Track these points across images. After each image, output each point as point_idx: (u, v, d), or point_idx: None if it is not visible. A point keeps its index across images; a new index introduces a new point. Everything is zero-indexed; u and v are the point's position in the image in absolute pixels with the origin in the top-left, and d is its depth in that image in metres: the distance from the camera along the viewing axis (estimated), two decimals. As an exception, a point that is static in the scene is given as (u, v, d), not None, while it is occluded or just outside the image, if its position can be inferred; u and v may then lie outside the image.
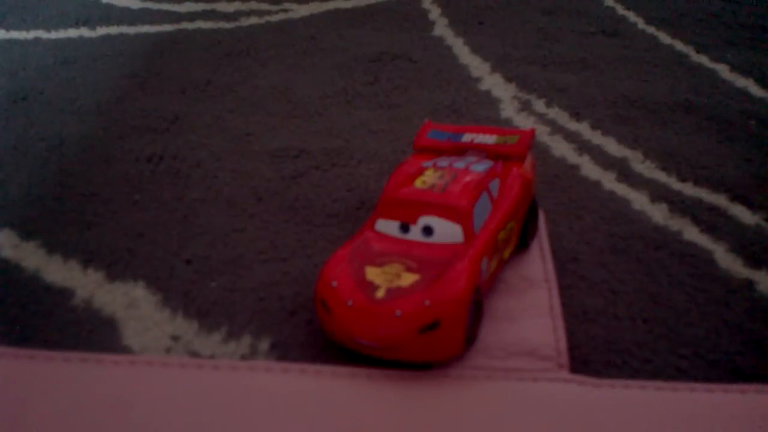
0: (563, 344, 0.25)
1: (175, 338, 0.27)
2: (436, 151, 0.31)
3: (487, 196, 0.27)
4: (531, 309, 0.27)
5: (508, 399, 0.23)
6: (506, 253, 0.28)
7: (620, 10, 0.61)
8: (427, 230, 0.26)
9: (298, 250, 0.31)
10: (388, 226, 0.27)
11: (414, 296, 0.24)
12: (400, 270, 0.25)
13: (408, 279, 0.24)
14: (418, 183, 0.27)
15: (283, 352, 0.26)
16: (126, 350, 0.26)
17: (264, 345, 0.26)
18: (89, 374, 0.24)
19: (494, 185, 0.28)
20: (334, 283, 0.25)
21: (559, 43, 0.54)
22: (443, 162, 0.29)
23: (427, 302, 0.23)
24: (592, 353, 0.26)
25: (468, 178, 0.27)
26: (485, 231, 0.26)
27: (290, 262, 0.30)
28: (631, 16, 0.60)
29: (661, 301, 0.28)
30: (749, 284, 0.29)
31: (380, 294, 0.24)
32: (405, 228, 0.26)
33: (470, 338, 0.25)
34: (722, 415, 0.23)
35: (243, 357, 0.26)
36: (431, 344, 0.23)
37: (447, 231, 0.26)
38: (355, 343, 0.24)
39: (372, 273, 0.25)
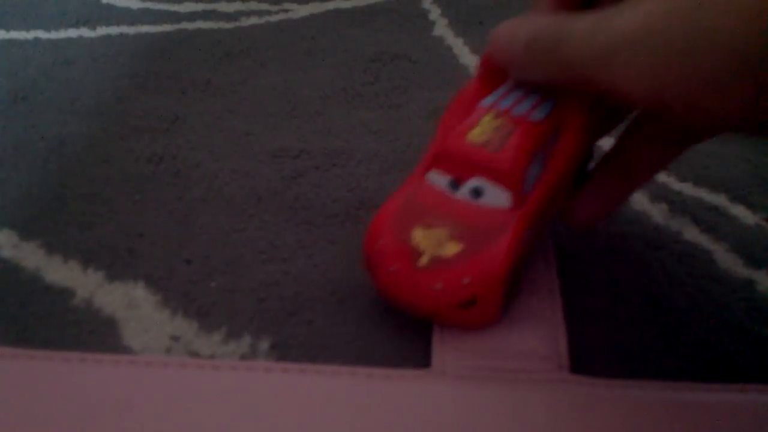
0: (563, 344, 0.26)
1: (175, 338, 0.27)
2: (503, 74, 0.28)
3: (541, 154, 0.26)
4: (531, 309, 0.27)
5: (508, 399, 0.23)
6: (559, 204, 0.28)
7: (620, 10, 0.61)
8: (476, 192, 0.26)
9: (298, 250, 0.31)
10: (438, 180, 0.26)
11: (455, 270, 0.24)
12: (445, 237, 0.25)
13: (451, 249, 0.24)
14: (474, 135, 0.26)
15: (283, 352, 0.26)
16: (126, 350, 0.26)
17: (264, 345, 0.26)
18: (89, 374, 0.24)
19: (551, 140, 0.27)
20: (381, 243, 0.25)
21: (559, 43, 0.54)
22: (506, 102, 0.27)
23: (466, 280, 0.24)
24: (592, 353, 0.26)
25: (525, 136, 0.26)
26: (535, 193, 0.26)
27: (290, 262, 0.30)
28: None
29: (661, 301, 0.28)
30: (749, 284, 0.29)
31: (423, 262, 0.24)
32: (455, 185, 0.26)
33: (506, 305, 0.26)
34: (722, 415, 0.23)
35: (243, 357, 0.26)
36: (468, 316, 0.25)
37: (496, 195, 0.25)
38: (395, 304, 0.26)
39: (418, 236, 0.25)
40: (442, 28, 0.56)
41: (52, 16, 0.57)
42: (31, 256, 0.31)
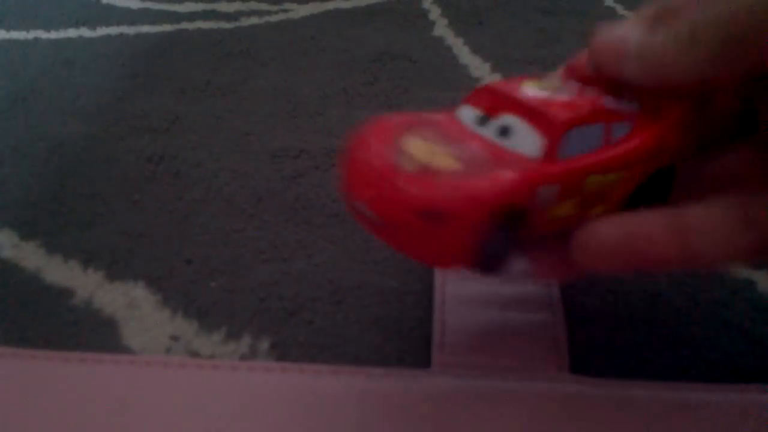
0: (563, 344, 0.26)
1: (175, 338, 0.27)
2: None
3: (601, 132, 0.22)
4: (531, 309, 0.27)
5: (508, 399, 0.23)
6: (599, 209, 0.23)
7: (620, 10, 0.61)
8: (504, 131, 0.22)
9: (298, 250, 0.31)
10: (467, 115, 0.23)
11: (438, 181, 0.20)
12: (445, 152, 0.21)
13: (446, 163, 0.20)
14: (529, 85, 0.23)
15: (283, 352, 0.26)
16: (126, 350, 0.26)
17: (264, 345, 0.26)
18: (89, 374, 0.24)
19: (620, 128, 0.23)
20: (368, 138, 0.22)
21: (559, 43, 0.54)
22: (572, 84, 0.24)
23: (440, 189, 0.19)
24: (592, 353, 0.26)
25: (584, 103, 0.22)
26: (571, 163, 0.21)
27: (290, 262, 0.30)
28: (631, 17, 0.60)
29: (661, 301, 0.28)
30: (749, 284, 0.29)
31: (408, 165, 0.20)
32: (483, 120, 0.22)
33: (492, 260, 0.21)
34: (722, 415, 0.23)
35: (243, 357, 0.26)
36: (432, 239, 0.20)
37: (526, 138, 0.21)
38: (356, 211, 0.21)
39: (414, 144, 0.21)
40: (442, 28, 0.56)
41: (52, 16, 0.57)
42: (31, 256, 0.31)
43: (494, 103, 0.22)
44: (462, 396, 0.23)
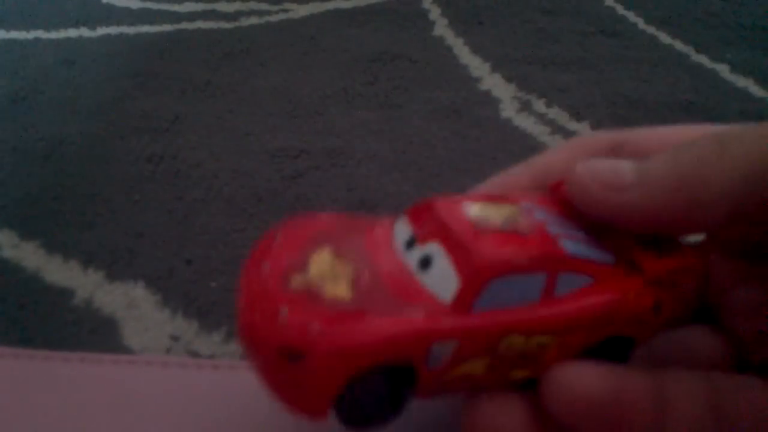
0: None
1: (175, 338, 0.27)
2: None
3: (541, 284, 0.18)
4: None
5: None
6: (521, 372, 0.19)
7: (620, 10, 0.61)
8: (425, 263, 0.18)
9: (298, 250, 0.31)
10: (401, 232, 0.19)
11: (316, 311, 0.16)
12: (346, 277, 0.17)
13: (338, 290, 0.17)
14: (479, 207, 0.19)
15: (283, 352, 0.26)
16: (126, 350, 0.26)
17: (264, 345, 0.26)
18: (89, 374, 0.24)
19: (571, 281, 0.19)
20: (273, 249, 0.19)
21: (559, 43, 0.54)
22: (539, 214, 0.19)
23: (313, 325, 0.16)
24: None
25: (543, 243, 0.18)
26: (484, 318, 0.17)
27: (290, 262, 0.30)
28: (631, 16, 0.60)
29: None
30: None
31: (295, 284, 0.17)
32: (410, 244, 0.19)
33: (357, 416, 0.17)
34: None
35: (243, 357, 0.26)
36: (292, 382, 0.17)
37: (443, 277, 0.18)
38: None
39: (320, 257, 0.18)
40: (442, 28, 0.56)
41: (52, 16, 0.57)
42: (31, 256, 0.31)
43: (426, 225, 0.19)
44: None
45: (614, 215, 0.19)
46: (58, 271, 0.30)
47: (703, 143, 0.18)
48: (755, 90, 0.47)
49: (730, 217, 0.18)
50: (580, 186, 0.19)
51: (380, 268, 0.18)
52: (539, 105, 0.44)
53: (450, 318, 0.17)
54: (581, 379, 0.18)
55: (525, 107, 0.44)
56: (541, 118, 0.43)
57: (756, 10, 0.61)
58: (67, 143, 0.40)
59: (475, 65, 0.50)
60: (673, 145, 0.19)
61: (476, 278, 0.17)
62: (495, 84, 0.47)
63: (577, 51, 0.52)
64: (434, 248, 0.18)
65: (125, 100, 0.44)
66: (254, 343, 0.17)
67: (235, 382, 0.24)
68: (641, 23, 0.58)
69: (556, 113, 0.43)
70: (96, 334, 0.27)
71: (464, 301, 0.17)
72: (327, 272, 0.17)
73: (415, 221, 0.19)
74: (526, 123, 0.42)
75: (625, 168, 0.19)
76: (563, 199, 0.20)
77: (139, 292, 0.29)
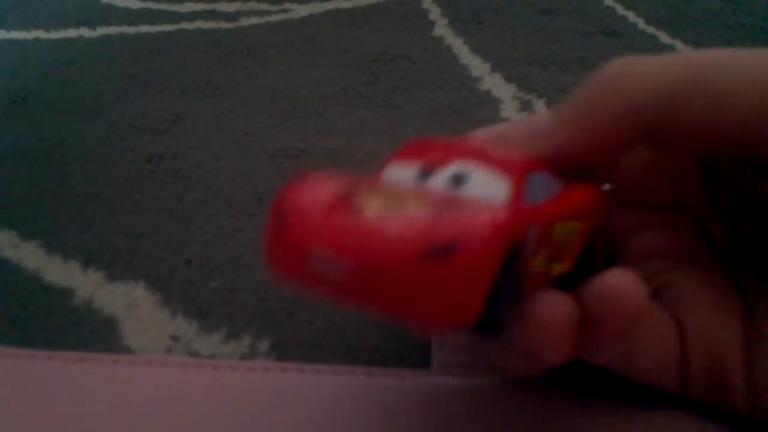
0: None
1: (175, 338, 0.27)
2: None
3: (549, 180, 0.20)
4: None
5: (508, 398, 0.23)
6: (556, 267, 0.19)
7: (620, 10, 0.61)
8: (458, 179, 0.18)
9: (298, 250, 0.31)
10: (399, 173, 0.19)
11: (420, 218, 0.15)
12: (406, 196, 0.17)
13: (416, 206, 0.16)
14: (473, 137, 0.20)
15: (282, 352, 0.26)
16: (126, 350, 0.26)
17: (264, 345, 0.26)
18: (89, 374, 0.24)
19: (556, 181, 0.20)
20: (304, 196, 0.17)
21: (559, 43, 0.54)
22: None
23: (442, 220, 0.15)
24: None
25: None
26: (538, 207, 0.18)
27: (290, 262, 0.30)
28: (631, 16, 0.60)
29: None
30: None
31: (370, 212, 0.16)
32: (426, 174, 0.18)
33: (498, 313, 0.16)
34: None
35: (243, 357, 0.26)
36: (433, 286, 0.15)
37: (486, 184, 0.18)
38: (309, 272, 0.16)
39: (365, 195, 0.17)
40: (442, 28, 0.56)
41: (52, 16, 0.57)
42: (31, 256, 0.31)
43: (439, 153, 0.19)
44: (462, 396, 0.23)
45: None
46: (58, 271, 0.30)
47: (606, 70, 0.20)
48: (755, 90, 0.47)
49: (639, 135, 0.19)
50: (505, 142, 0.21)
51: (425, 193, 0.17)
52: (539, 105, 0.44)
53: (523, 207, 0.17)
54: (636, 283, 0.18)
55: (525, 107, 0.44)
56: (541, 118, 0.43)
57: (756, 10, 0.61)
58: (68, 143, 0.40)
59: (475, 65, 0.50)
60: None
61: (520, 171, 0.18)
62: (495, 84, 0.47)
63: (577, 51, 0.52)
64: (461, 166, 0.18)
65: (125, 100, 0.44)
66: (377, 260, 0.15)
67: (235, 382, 0.24)
68: (641, 23, 0.58)
69: (556, 113, 0.43)
70: (96, 334, 0.27)
71: (518, 195, 0.18)
72: (391, 200, 0.16)
73: (420, 156, 0.19)
74: (526, 123, 0.42)
75: (541, 119, 0.21)
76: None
77: (139, 292, 0.29)
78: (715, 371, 0.21)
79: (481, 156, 0.18)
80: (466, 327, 0.16)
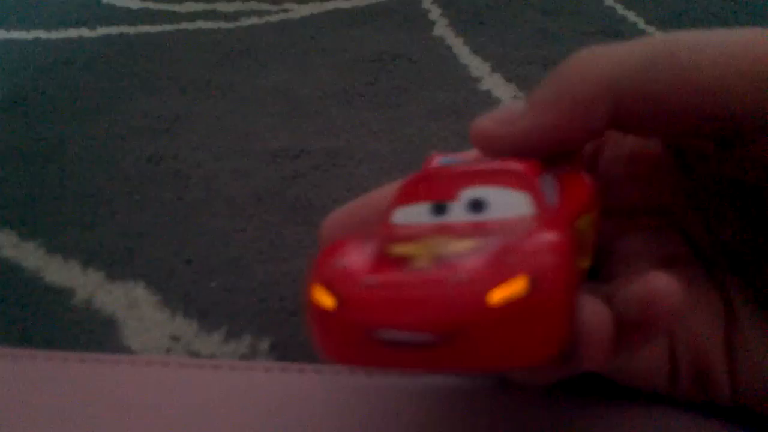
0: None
1: (175, 338, 0.27)
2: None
3: (552, 178, 0.19)
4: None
5: (508, 398, 0.23)
6: (583, 263, 0.18)
7: (620, 10, 0.61)
8: (477, 205, 0.17)
9: (298, 250, 0.31)
10: (411, 214, 0.18)
11: (481, 257, 0.14)
12: (445, 240, 0.16)
13: (462, 245, 0.15)
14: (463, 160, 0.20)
15: (283, 352, 0.26)
16: (126, 350, 0.26)
17: (264, 345, 0.26)
18: (89, 374, 0.24)
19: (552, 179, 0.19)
20: (343, 263, 0.16)
21: (559, 43, 0.54)
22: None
23: (502, 256, 0.14)
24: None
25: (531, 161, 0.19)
26: (562, 207, 0.18)
27: (290, 262, 0.30)
28: (631, 16, 0.60)
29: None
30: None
31: (422, 263, 0.15)
32: (440, 209, 0.18)
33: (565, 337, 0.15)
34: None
35: (243, 357, 0.26)
36: (524, 327, 0.14)
37: (508, 204, 0.17)
38: (379, 348, 0.15)
39: (403, 248, 0.16)
40: (442, 28, 0.56)
41: (52, 16, 0.57)
42: (31, 256, 0.31)
43: (442, 186, 0.18)
44: (462, 396, 0.24)
45: (514, 147, 0.20)
46: (58, 271, 0.30)
47: (574, 56, 0.21)
48: (755, 90, 0.47)
49: (607, 114, 0.19)
50: (480, 130, 0.20)
51: (453, 230, 0.17)
52: (539, 105, 0.44)
53: (558, 211, 0.17)
54: (672, 283, 0.17)
55: (525, 107, 0.44)
56: (541, 118, 0.43)
57: (756, 10, 0.61)
58: (67, 143, 0.40)
59: (475, 65, 0.50)
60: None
61: (533, 179, 0.17)
62: (495, 84, 0.47)
63: (576, 50, 0.52)
64: (472, 191, 0.18)
65: (125, 100, 0.44)
66: (450, 319, 0.14)
67: (235, 382, 0.24)
68: (641, 23, 0.58)
69: (556, 113, 0.43)
70: (96, 334, 0.27)
71: (542, 203, 0.17)
72: (431, 249, 0.15)
73: (426, 192, 0.18)
74: (526, 123, 0.42)
75: (517, 104, 0.21)
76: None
77: (139, 292, 0.29)
78: (702, 371, 0.21)
79: (485, 175, 0.18)
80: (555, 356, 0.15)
